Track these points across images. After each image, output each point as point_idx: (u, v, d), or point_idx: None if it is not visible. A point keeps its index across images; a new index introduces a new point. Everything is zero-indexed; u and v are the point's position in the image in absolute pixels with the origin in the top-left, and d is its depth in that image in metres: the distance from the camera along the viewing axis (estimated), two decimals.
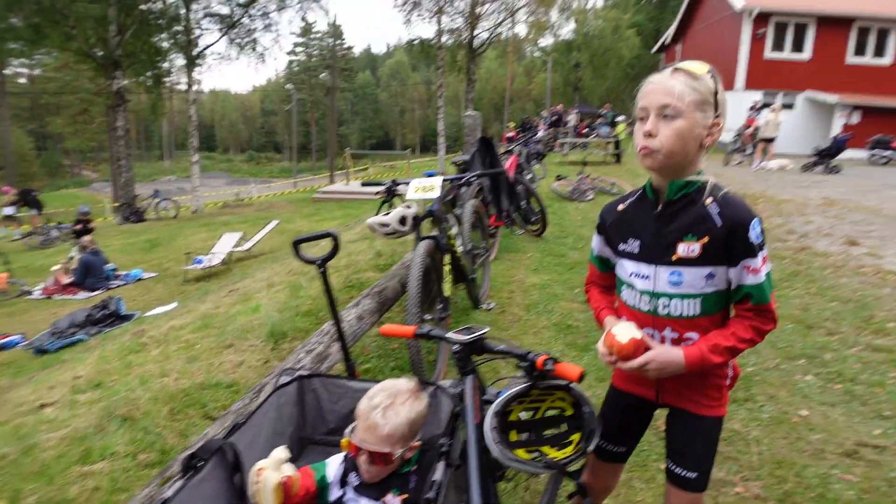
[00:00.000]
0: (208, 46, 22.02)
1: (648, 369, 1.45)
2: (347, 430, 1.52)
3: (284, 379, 1.85)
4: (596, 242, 1.69)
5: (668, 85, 1.38)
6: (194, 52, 21.31)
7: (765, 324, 1.46)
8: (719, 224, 1.41)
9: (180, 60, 21.97)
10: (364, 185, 3.73)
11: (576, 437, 1.61)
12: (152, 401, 2.98)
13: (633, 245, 1.54)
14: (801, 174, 14.86)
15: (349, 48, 79.18)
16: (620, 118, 20.48)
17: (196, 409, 2.97)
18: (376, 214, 3.36)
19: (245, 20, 22.59)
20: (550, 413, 1.69)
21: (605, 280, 1.72)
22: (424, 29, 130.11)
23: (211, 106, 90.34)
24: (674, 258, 1.46)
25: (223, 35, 22.15)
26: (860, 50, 21.54)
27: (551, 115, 24.75)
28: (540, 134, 20.35)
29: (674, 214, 1.47)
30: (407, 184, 3.46)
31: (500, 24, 27.09)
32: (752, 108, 17.70)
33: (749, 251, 1.41)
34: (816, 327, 4.40)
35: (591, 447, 1.59)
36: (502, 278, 5.51)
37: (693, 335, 1.50)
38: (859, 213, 9.13)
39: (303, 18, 29.22)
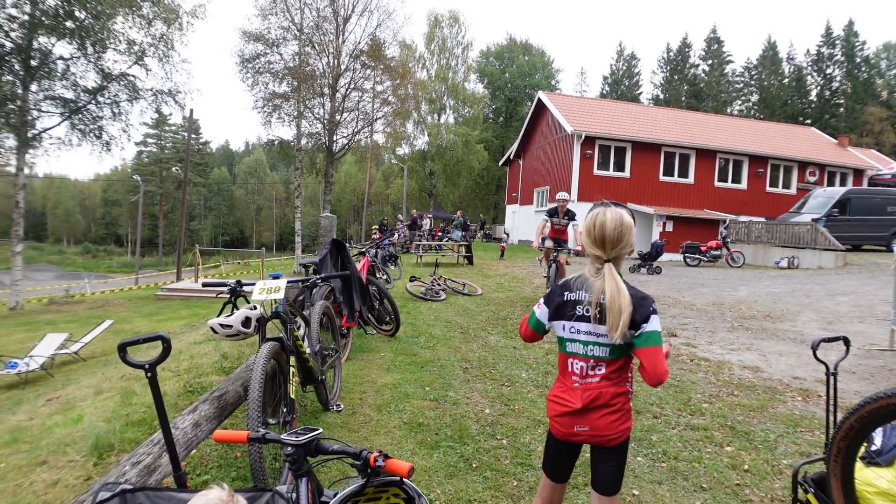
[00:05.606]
0: (46, 130, 20.20)
1: None
2: None
3: (104, 495, 1.69)
4: None
5: None
6: (29, 134, 19.40)
7: None
8: None
9: (11, 141, 19.72)
10: (205, 285, 3.67)
11: None
12: None
13: None
14: (629, 274, 16.63)
15: (205, 143, 77.71)
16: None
17: None
18: (219, 315, 3.31)
19: (91, 107, 21.07)
20: None
21: None
22: (284, 131, 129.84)
23: (43, 192, 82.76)
24: None
25: (64, 119, 20.44)
26: (668, 171, 25.20)
27: (408, 219, 25.72)
28: (395, 237, 20.98)
29: None
30: (252, 284, 3.47)
31: (358, 131, 28.31)
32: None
33: None
34: (644, 412, 4.82)
35: None
36: (354, 379, 5.49)
37: None
38: (677, 307, 10.30)
39: (157, 110, 28.09)
